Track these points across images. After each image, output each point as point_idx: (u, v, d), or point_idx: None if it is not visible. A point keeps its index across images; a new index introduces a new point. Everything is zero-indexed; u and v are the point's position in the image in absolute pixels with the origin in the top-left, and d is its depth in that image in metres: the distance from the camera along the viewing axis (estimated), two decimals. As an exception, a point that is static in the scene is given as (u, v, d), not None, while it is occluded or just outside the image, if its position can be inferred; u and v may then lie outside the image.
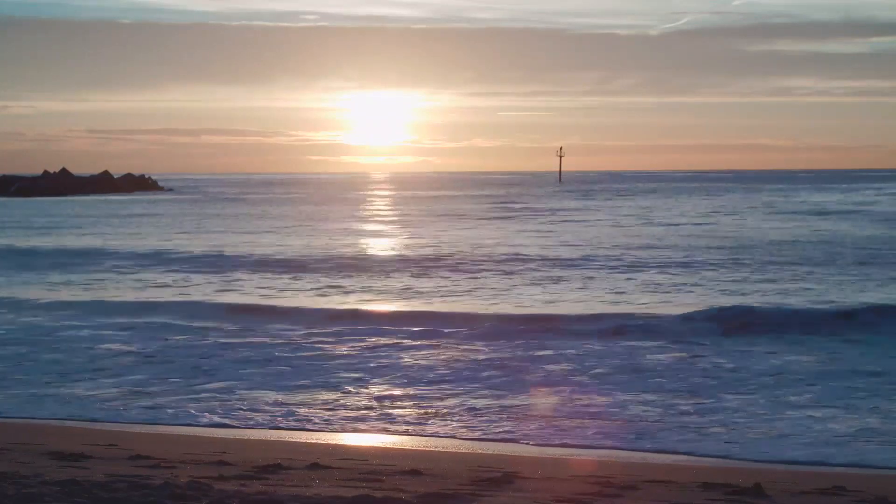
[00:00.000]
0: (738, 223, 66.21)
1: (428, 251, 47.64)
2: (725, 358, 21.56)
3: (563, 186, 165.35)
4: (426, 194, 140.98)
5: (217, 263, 42.95)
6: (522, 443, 14.90)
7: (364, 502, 9.63)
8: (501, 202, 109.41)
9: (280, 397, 18.03)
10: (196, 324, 26.96)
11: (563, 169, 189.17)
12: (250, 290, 34.29)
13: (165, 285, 36.06)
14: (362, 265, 42.05)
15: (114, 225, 71.10)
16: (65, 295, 33.20)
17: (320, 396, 18.10)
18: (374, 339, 24.17)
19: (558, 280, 36.25)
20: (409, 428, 15.89)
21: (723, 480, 11.35)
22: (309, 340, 24.17)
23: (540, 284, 35.01)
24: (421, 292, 33.10)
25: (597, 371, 20.20)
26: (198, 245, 52.12)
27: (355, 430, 15.84)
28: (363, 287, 34.77)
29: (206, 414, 16.80)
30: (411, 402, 17.61)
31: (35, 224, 72.81)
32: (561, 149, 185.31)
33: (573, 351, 22.43)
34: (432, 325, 26.02)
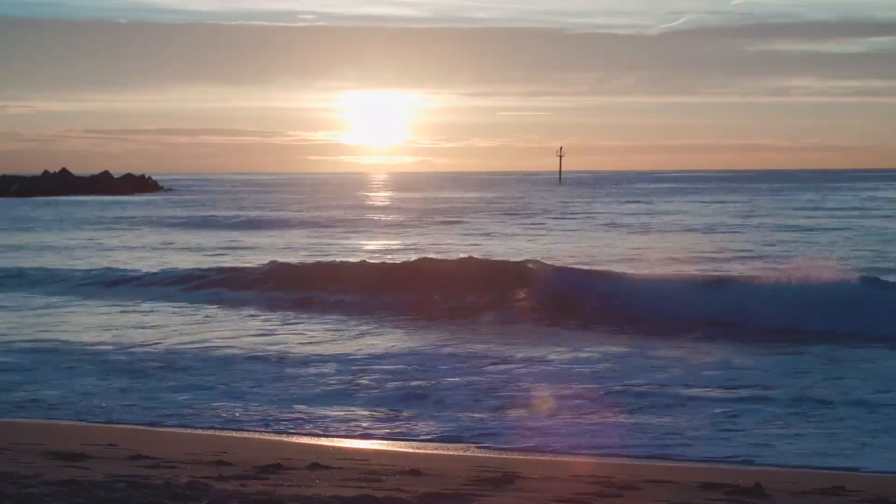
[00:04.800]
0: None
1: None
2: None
3: (564, 187, 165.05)
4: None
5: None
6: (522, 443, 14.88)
7: (364, 502, 9.63)
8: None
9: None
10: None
11: (562, 169, 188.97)
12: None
13: None
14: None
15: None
16: None
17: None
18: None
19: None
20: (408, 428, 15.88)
21: (723, 480, 11.35)
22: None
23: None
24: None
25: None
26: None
27: (355, 431, 15.82)
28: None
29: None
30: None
31: None
32: (561, 148, 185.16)
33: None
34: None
